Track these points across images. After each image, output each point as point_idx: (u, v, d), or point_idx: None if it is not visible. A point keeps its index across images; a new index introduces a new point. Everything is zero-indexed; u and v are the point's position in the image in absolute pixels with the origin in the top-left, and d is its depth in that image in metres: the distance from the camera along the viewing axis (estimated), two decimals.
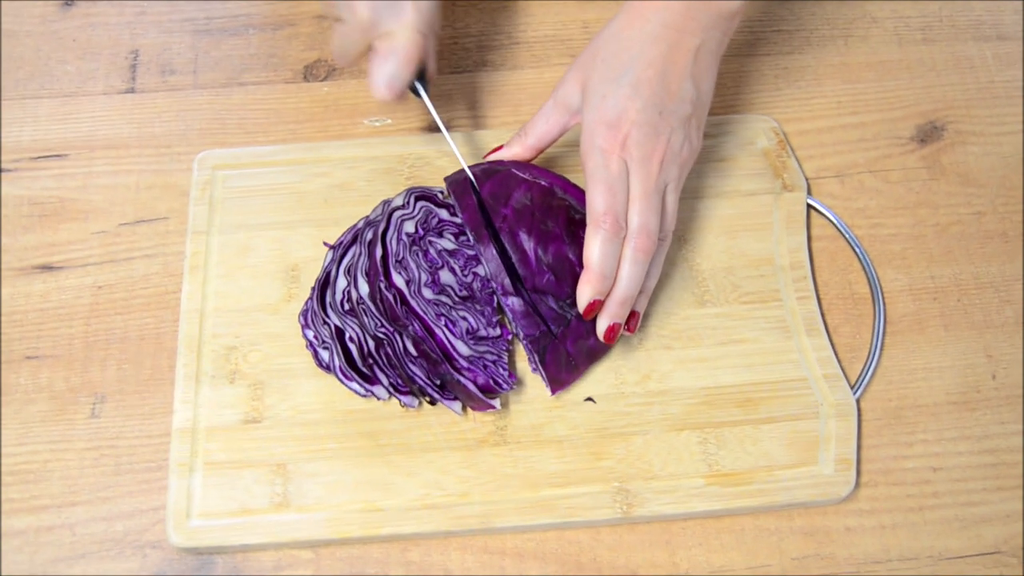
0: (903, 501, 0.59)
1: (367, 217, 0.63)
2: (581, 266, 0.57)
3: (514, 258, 0.57)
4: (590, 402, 0.60)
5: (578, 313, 0.57)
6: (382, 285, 0.57)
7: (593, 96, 0.58)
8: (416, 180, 0.68)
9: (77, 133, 0.71)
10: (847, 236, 0.67)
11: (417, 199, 0.61)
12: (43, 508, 0.58)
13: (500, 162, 0.62)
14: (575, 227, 0.59)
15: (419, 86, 0.62)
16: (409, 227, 0.59)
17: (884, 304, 0.65)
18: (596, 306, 0.56)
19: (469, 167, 0.61)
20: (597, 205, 0.55)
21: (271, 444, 0.59)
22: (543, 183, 0.60)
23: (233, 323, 0.62)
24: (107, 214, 0.67)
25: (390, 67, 0.60)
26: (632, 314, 0.58)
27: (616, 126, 0.56)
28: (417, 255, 0.58)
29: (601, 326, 0.57)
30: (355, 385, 0.59)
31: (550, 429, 0.60)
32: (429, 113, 0.63)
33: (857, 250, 0.67)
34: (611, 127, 0.56)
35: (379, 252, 0.58)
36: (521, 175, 0.60)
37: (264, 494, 0.57)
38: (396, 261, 0.58)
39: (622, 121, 0.56)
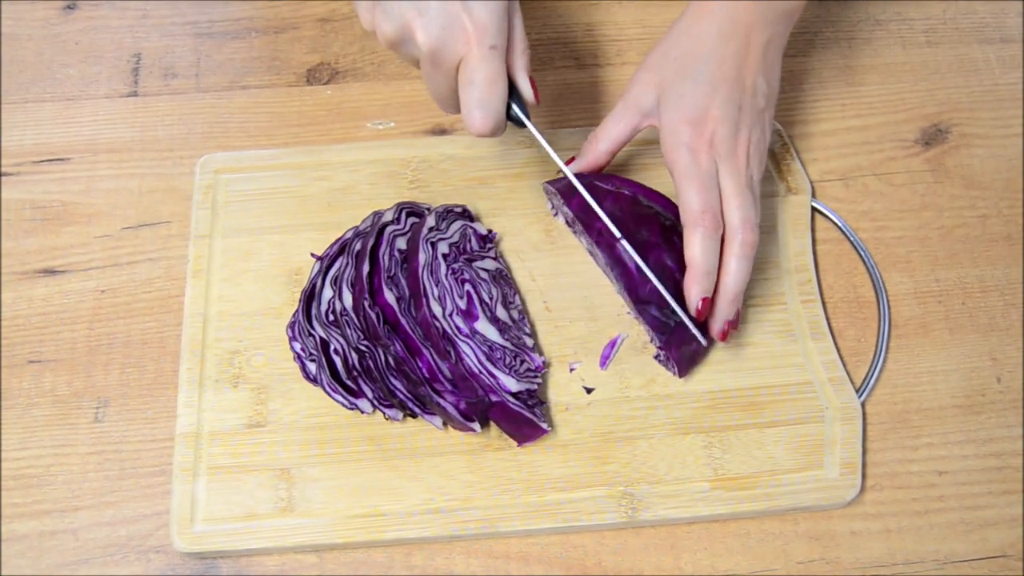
0: (908, 505, 0.59)
1: (356, 228, 0.63)
2: (680, 272, 0.57)
3: (615, 272, 0.58)
4: (590, 394, 0.60)
5: (678, 321, 0.57)
6: (366, 303, 0.56)
7: (671, 95, 0.57)
8: (419, 184, 0.67)
9: (79, 137, 0.70)
10: (852, 239, 0.67)
11: (450, 216, 0.61)
12: (46, 513, 0.58)
13: (577, 175, 0.60)
14: (668, 233, 0.59)
15: (517, 110, 0.54)
16: (401, 243, 0.59)
17: (889, 307, 0.65)
18: (707, 304, 0.55)
19: (545, 184, 0.62)
20: (693, 204, 0.55)
21: (275, 448, 0.59)
22: (626, 192, 0.60)
23: (236, 327, 0.62)
24: (109, 218, 0.67)
25: (475, 95, 0.52)
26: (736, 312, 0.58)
27: (700, 123, 0.56)
28: (449, 278, 0.58)
29: (716, 327, 0.57)
30: (340, 398, 0.58)
31: (554, 433, 0.59)
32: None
33: (862, 253, 0.66)
34: (695, 125, 0.56)
35: (367, 268, 0.57)
36: (604, 186, 0.59)
37: (268, 498, 0.57)
38: (388, 277, 0.57)
39: (706, 118, 0.56)
